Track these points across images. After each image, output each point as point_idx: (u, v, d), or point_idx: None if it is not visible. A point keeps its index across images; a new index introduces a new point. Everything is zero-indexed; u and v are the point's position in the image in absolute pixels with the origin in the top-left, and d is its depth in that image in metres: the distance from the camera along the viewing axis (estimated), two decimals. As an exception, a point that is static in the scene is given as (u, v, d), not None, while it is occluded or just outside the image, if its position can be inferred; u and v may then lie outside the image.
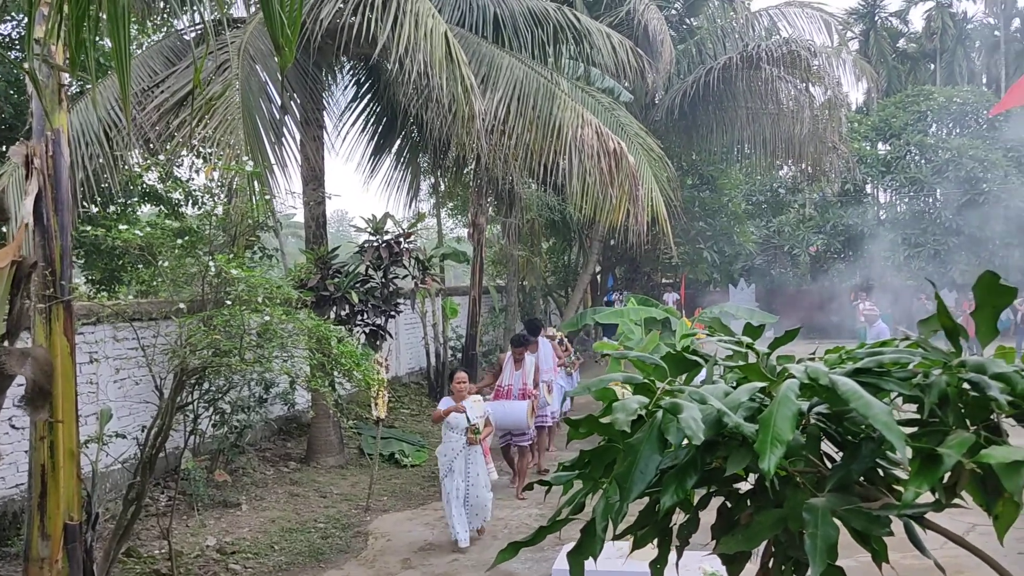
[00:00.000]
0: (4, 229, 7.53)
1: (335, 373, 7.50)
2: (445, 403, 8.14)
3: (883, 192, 31.20)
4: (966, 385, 1.70)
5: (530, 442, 10.01)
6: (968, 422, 1.71)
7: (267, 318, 6.78)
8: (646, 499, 2.20)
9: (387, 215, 11.84)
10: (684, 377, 1.96)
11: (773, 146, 20.26)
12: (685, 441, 1.81)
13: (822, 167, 20.34)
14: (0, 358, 3.32)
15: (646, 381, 1.94)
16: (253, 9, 11.34)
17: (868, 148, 29.25)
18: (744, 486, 2.09)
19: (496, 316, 21.07)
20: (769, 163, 22.23)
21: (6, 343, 3.44)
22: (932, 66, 46.78)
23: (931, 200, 28.63)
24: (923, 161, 28.43)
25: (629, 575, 5.99)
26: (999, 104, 25.55)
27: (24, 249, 4.11)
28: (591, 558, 1.83)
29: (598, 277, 25.27)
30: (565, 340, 14.96)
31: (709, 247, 23.91)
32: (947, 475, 1.65)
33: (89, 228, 7.24)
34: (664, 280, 28.44)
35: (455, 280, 31.60)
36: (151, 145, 9.65)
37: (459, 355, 17.18)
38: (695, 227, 23.11)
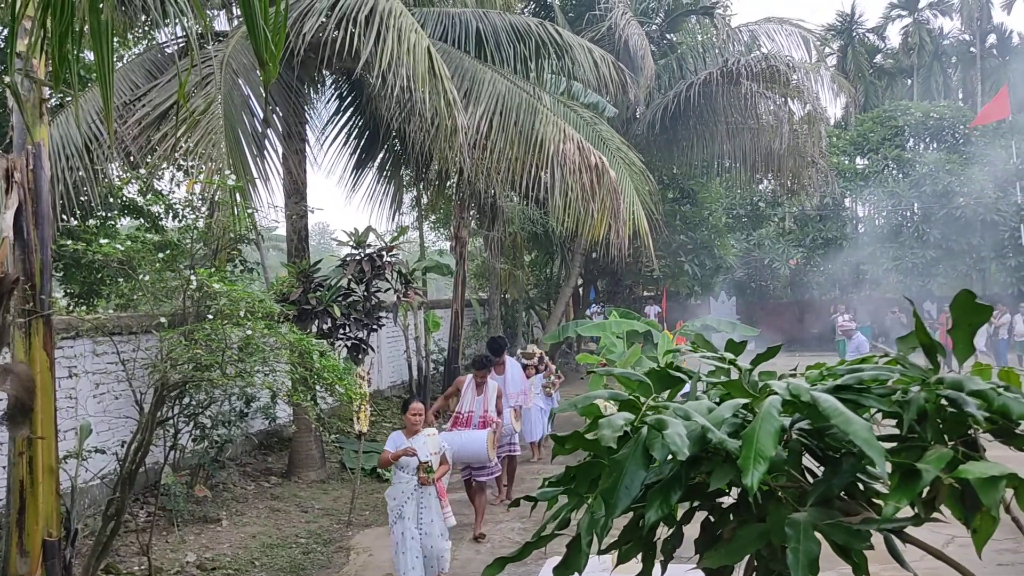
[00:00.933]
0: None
1: (317, 387, 7.48)
2: (394, 441, 6.90)
3: (861, 206, 31.56)
4: (944, 401, 1.73)
5: (493, 476, 8.95)
6: (946, 437, 1.74)
7: (249, 332, 6.75)
8: (630, 514, 2.22)
9: (369, 228, 11.83)
10: (667, 393, 1.99)
11: (753, 160, 20.46)
12: (669, 456, 1.84)
13: (801, 181, 20.55)
14: (-19, 374, 3.30)
15: (631, 398, 1.97)
16: (236, 23, 11.35)
17: (846, 162, 29.58)
18: (727, 501, 2.11)
19: (479, 329, 21.09)
20: (749, 177, 22.43)
21: (-13, 359, 3.42)
22: (909, 81, 47.39)
23: (909, 214, 28.95)
24: (901, 175, 28.78)
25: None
26: (978, 117, 25.89)
27: (5, 264, 4.08)
28: (576, 573, 1.85)
29: (580, 290, 25.33)
30: (547, 358, 13.83)
31: (690, 260, 24.05)
32: (926, 490, 1.68)
33: (69, 242, 7.19)
34: (646, 293, 28.58)
35: (437, 293, 31.57)
36: (132, 158, 9.61)
37: (441, 368, 17.17)
38: (676, 240, 23.25)
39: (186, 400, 7.26)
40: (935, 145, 30.50)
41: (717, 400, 1.86)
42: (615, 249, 11.90)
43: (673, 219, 22.58)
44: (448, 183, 15.36)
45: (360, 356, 11.48)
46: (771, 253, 30.15)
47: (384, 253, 11.64)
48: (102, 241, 6.99)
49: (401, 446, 6.74)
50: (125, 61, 11.44)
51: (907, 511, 1.68)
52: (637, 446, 1.71)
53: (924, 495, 1.68)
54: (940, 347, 1.83)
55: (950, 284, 27.60)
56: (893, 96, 44.01)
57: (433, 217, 22.90)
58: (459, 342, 16.68)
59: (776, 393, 1.73)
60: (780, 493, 1.81)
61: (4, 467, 6.34)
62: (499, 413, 8.82)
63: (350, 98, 13.06)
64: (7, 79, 5.25)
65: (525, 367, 11.78)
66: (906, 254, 27.47)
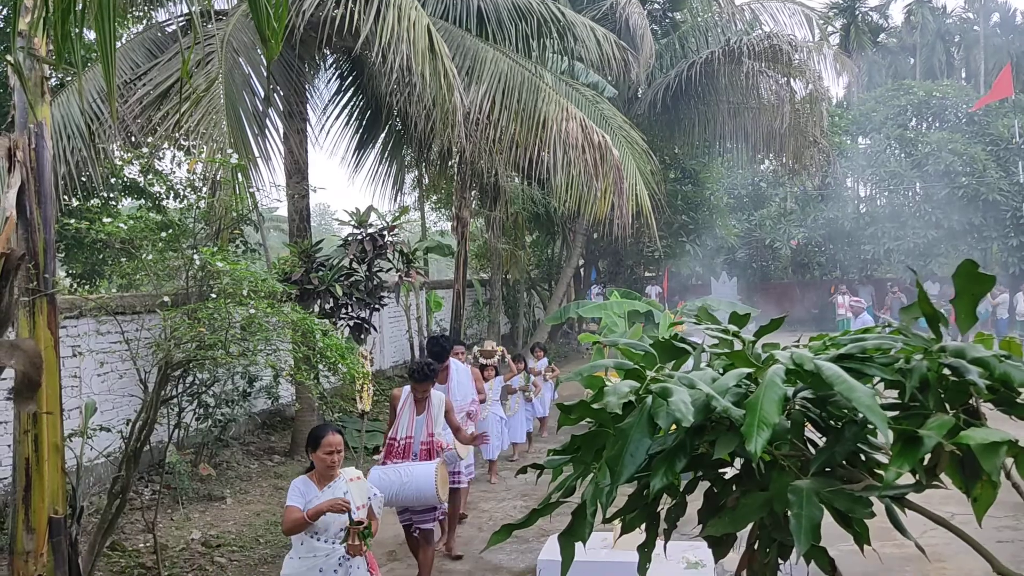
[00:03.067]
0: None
1: (320, 366, 7.50)
2: (301, 492, 4.62)
3: (863, 186, 31.48)
4: (946, 371, 1.75)
5: (439, 519, 6.68)
6: (947, 406, 1.76)
7: (252, 311, 6.77)
8: (634, 486, 2.24)
9: (371, 208, 11.82)
10: (672, 365, 2.01)
11: (754, 140, 20.41)
12: (673, 427, 1.86)
13: (803, 161, 20.50)
14: (-11, 350, 3.32)
15: (636, 367, 1.99)
16: (235, 1, 11.29)
17: (848, 142, 29.49)
18: (730, 473, 2.13)
19: (480, 309, 21.12)
20: (750, 157, 22.40)
21: (-6, 335, 3.45)
22: (912, 60, 47.17)
23: (911, 193, 28.90)
24: (903, 155, 28.69)
25: (614, 565, 6.06)
26: (983, 98, 25.79)
27: (9, 242, 4.10)
28: (580, 542, 1.87)
29: (581, 271, 25.35)
30: (508, 357, 11.75)
31: (691, 240, 24.05)
32: (927, 457, 1.70)
33: (72, 221, 7.20)
34: (647, 273, 28.59)
35: (438, 274, 31.58)
36: (133, 138, 9.60)
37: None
38: (678, 220, 23.23)
39: (190, 379, 7.29)
40: (937, 124, 30.39)
41: (721, 371, 1.88)
42: (618, 228, 11.90)
43: (675, 199, 22.56)
44: (449, 163, 15.35)
45: (362, 336, 11.52)
46: (772, 233, 30.13)
47: (386, 233, 11.65)
48: (106, 220, 7.00)
49: (313, 499, 4.56)
50: (125, 40, 11.40)
51: (908, 478, 1.70)
52: (642, 414, 1.73)
53: (925, 462, 1.70)
54: (943, 317, 1.84)
55: (951, 264, 27.58)
56: (896, 75, 43.81)
57: (434, 198, 22.91)
58: (461, 322, 16.69)
59: (780, 362, 1.75)
60: (783, 462, 1.83)
61: (9, 446, 6.38)
62: (456, 431, 6.85)
63: (351, 77, 13.03)
64: (9, 57, 5.24)
65: (484, 368, 9.92)
66: (908, 234, 27.45)
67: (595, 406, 1.76)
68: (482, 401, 8.82)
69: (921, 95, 29.86)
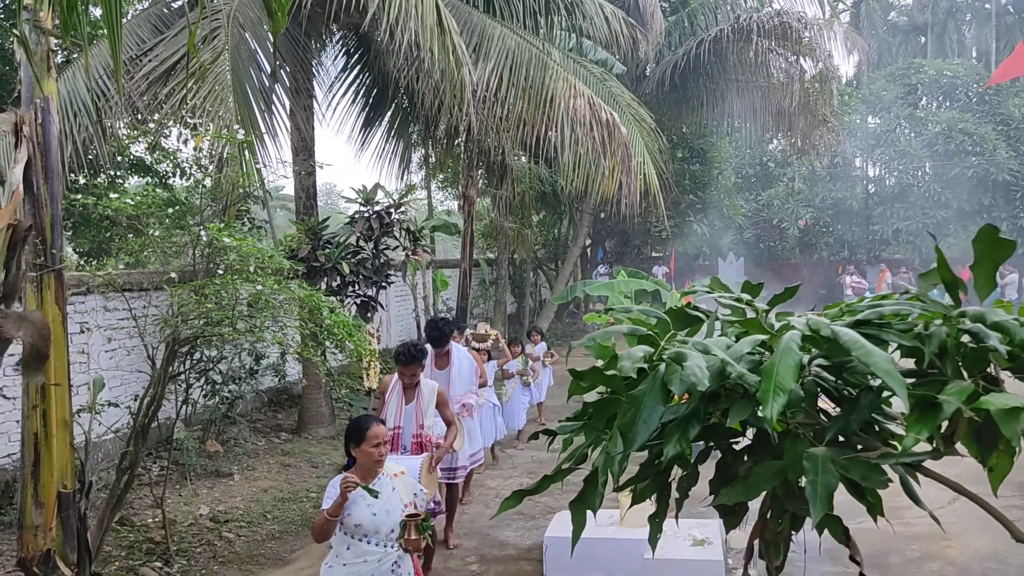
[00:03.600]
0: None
1: (327, 343, 7.49)
2: (340, 492, 3.96)
3: (872, 166, 31.27)
4: (965, 338, 1.72)
5: (436, 515, 6.12)
6: (966, 373, 1.73)
7: (259, 288, 6.75)
8: (646, 457, 2.23)
9: (377, 186, 11.79)
10: (686, 333, 1.98)
11: (763, 119, 20.29)
12: (686, 397, 1.84)
13: (812, 140, 20.38)
14: (-4, 321, 3.32)
15: (650, 333, 1.96)
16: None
17: (858, 121, 29.26)
18: (742, 444, 2.11)
19: (486, 289, 21.10)
20: (759, 136, 22.25)
21: (2, 307, 3.44)
22: (923, 39, 46.70)
23: (920, 173, 28.71)
24: (913, 134, 28.48)
25: (622, 541, 6.07)
26: (994, 75, 25.55)
27: (16, 215, 4.08)
28: (591, 510, 1.86)
29: (588, 250, 25.30)
30: (502, 341, 11.33)
31: (699, 220, 23.95)
32: (945, 424, 1.67)
33: (79, 196, 7.18)
34: (654, 253, 28.51)
35: (445, 254, 31.56)
36: (139, 115, 9.57)
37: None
38: (685, 200, 23.13)
39: (197, 356, 7.29)
40: (948, 104, 30.14)
41: (734, 339, 1.85)
42: (625, 207, 11.84)
43: (682, 178, 22.45)
44: (456, 141, 15.28)
45: (369, 314, 11.51)
46: (780, 213, 29.99)
47: (392, 210, 11.62)
48: (111, 196, 6.98)
49: (356, 500, 4.02)
50: (131, 16, 11.34)
51: (925, 447, 1.68)
52: (655, 381, 1.71)
53: (943, 429, 1.68)
54: (961, 283, 1.81)
55: (960, 245, 27.46)
56: (906, 54, 43.41)
57: (441, 176, 22.86)
58: (467, 301, 16.68)
59: (795, 328, 1.73)
60: (798, 430, 1.81)
61: (17, 421, 6.40)
62: (448, 425, 6.23)
63: (358, 54, 12.95)
64: (16, 31, 5.21)
65: (475, 353, 8.91)
66: (916, 214, 27.30)
67: (608, 372, 1.74)
68: (483, 385, 8.33)
69: (932, 74, 29.59)
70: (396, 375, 6.21)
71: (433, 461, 5.77)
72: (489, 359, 9.85)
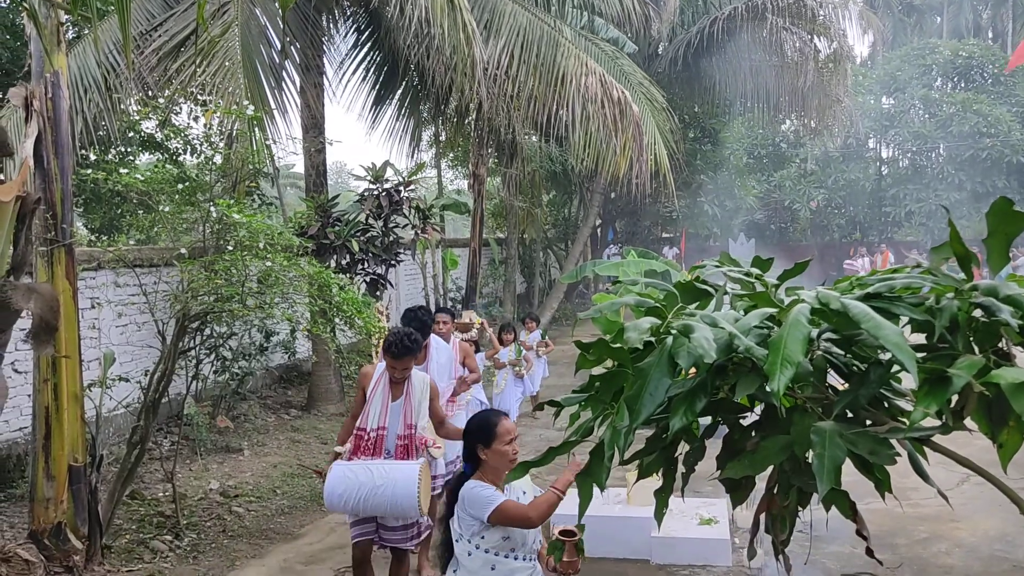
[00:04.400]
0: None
1: (336, 320, 7.50)
2: (491, 493, 3.32)
3: (886, 147, 31.03)
4: (977, 312, 1.70)
5: (422, 536, 5.16)
6: (977, 348, 1.71)
7: (269, 264, 6.76)
8: (653, 432, 2.22)
9: (387, 163, 11.75)
10: (695, 307, 1.96)
11: (776, 99, 20.11)
12: (692, 371, 1.82)
13: (825, 121, 20.21)
14: (6, 293, 3.32)
15: (657, 305, 1.95)
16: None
17: (872, 102, 29.02)
18: (750, 418, 2.10)
19: (496, 268, 21.09)
20: (771, 117, 22.07)
21: (11, 279, 3.45)
22: (938, 19, 46.22)
23: (934, 155, 28.48)
24: (927, 116, 28.23)
25: (629, 520, 6.09)
26: (1013, 58, 25.26)
27: (26, 187, 4.08)
28: (597, 484, 1.85)
29: (598, 231, 25.23)
30: (489, 331, 10.72)
31: (710, 201, 23.84)
32: (955, 399, 1.66)
33: (90, 171, 7.19)
34: (664, 234, 28.40)
35: (455, 233, 31.53)
36: (150, 91, 9.56)
37: (459, 307, 17.21)
38: (696, 180, 23.01)
39: (207, 332, 7.31)
40: (963, 85, 29.85)
41: (743, 312, 1.83)
42: (636, 187, 11.79)
43: (694, 159, 22.33)
44: (467, 120, 15.22)
45: (379, 292, 11.52)
46: (792, 195, 29.83)
47: (402, 188, 11.59)
48: (122, 171, 6.98)
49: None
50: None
51: (934, 421, 1.67)
52: (662, 354, 1.69)
53: (953, 403, 1.67)
54: (974, 257, 1.79)
55: (974, 227, 27.28)
56: (922, 34, 42.96)
57: (451, 155, 22.79)
58: (476, 280, 16.69)
59: (805, 302, 1.71)
60: (806, 404, 1.80)
61: (29, 395, 6.44)
62: (439, 425, 5.24)
63: (368, 31, 12.88)
64: (26, 4, 5.20)
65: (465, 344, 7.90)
66: (930, 196, 27.11)
67: (615, 346, 1.73)
68: (475, 381, 7.30)
69: (947, 54, 29.29)
70: (380, 366, 5.11)
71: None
72: (477, 350, 8.73)
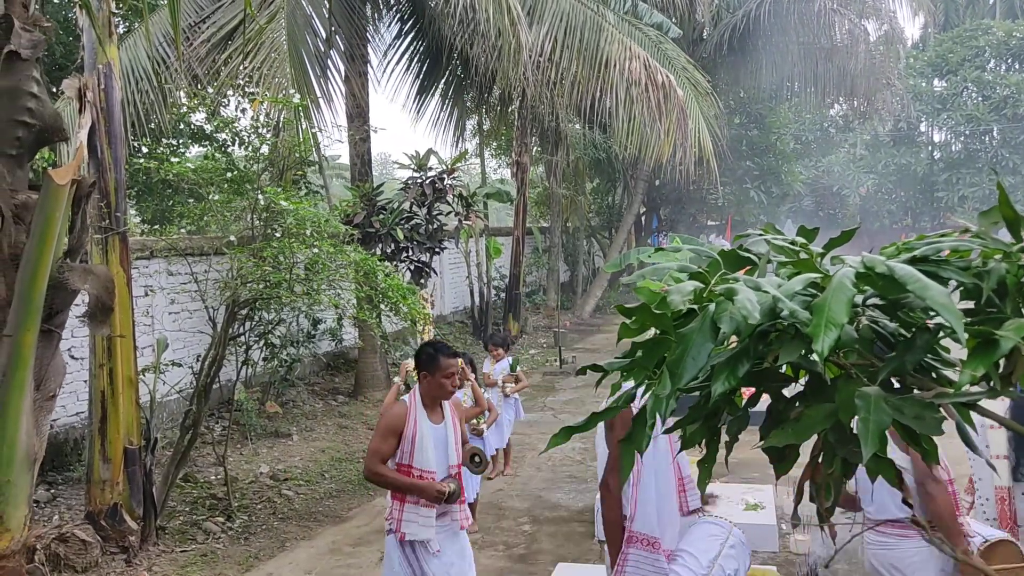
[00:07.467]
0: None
1: (382, 306, 7.58)
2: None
3: (938, 131, 30.37)
4: (1026, 276, 1.68)
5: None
6: (1026, 313, 1.69)
7: (315, 251, 6.86)
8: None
9: (430, 151, 11.82)
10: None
11: (824, 83, 19.80)
12: (734, 340, 1.82)
13: (875, 105, 19.85)
14: (63, 273, 3.42)
15: (701, 271, 1.95)
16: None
17: (923, 85, 28.41)
18: (794, 389, 2.10)
19: (539, 257, 21.09)
20: (819, 100, 21.72)
21: (68, 260, 3.55)
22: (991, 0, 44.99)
23: (987, 139, 27.81)
24: (980, 98, 27.57)
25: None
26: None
27: (80, 172, 4.19)
28: (638, 450, 1.86)
29: (642, 218, 25.09)
30: (471, 377, 7.18)
31: (756, 187, 23.56)
32: (1003, 363, 1.64)
33: (142, 160, 7.35)
34: (710, 222, 28.16)
35: (498, 222, 31.57)
36: (199, 83, 9.72)
37: (503, 295, 17.26)
38: (742, 167, 22.75)
39: (256, 319, 7.44)
40: (1017, 66, 29.07)
41: (787, 279, 1.83)
42: (680, 173, 11.70)
43: (739, 144, 22.06)
44: (510, 108, 15.23)
45: (423, 280, 11.61)
46: (841, 180, 29.34)
47: (445, 176, 11.65)
48: (173, 160, 7.13)
49: None
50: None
51: (982, 386, 1.65)
52: (705, 319, 1.69)
53: (1000, 368, 1.65)
54: (1024, 220, 1.76)
55: (1029, 212, 26.62)
56: (974, 15, 41.80)
57: (495, 144, 22.83)
58: (520, 268, 16.73)
59: (849, 266, 1.70)
60: (851, 370, 1.79)
61: (85, 381, 6.61)
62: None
63: (411, 20, 12.94)
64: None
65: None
66: (983, 180, 26.49)
67: (657, 311, 1.74)
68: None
69: (1000, 36, 28.53)
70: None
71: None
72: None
